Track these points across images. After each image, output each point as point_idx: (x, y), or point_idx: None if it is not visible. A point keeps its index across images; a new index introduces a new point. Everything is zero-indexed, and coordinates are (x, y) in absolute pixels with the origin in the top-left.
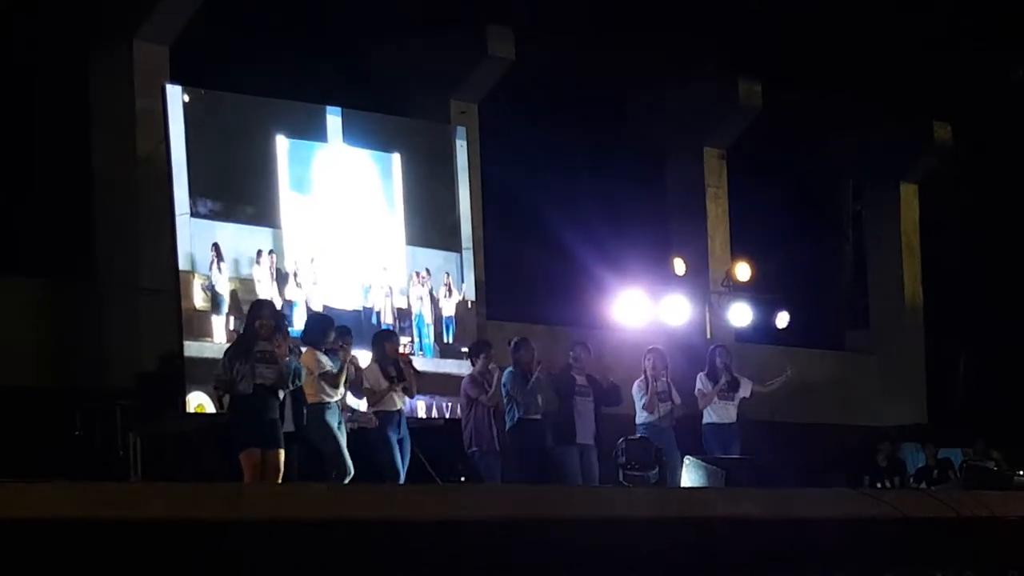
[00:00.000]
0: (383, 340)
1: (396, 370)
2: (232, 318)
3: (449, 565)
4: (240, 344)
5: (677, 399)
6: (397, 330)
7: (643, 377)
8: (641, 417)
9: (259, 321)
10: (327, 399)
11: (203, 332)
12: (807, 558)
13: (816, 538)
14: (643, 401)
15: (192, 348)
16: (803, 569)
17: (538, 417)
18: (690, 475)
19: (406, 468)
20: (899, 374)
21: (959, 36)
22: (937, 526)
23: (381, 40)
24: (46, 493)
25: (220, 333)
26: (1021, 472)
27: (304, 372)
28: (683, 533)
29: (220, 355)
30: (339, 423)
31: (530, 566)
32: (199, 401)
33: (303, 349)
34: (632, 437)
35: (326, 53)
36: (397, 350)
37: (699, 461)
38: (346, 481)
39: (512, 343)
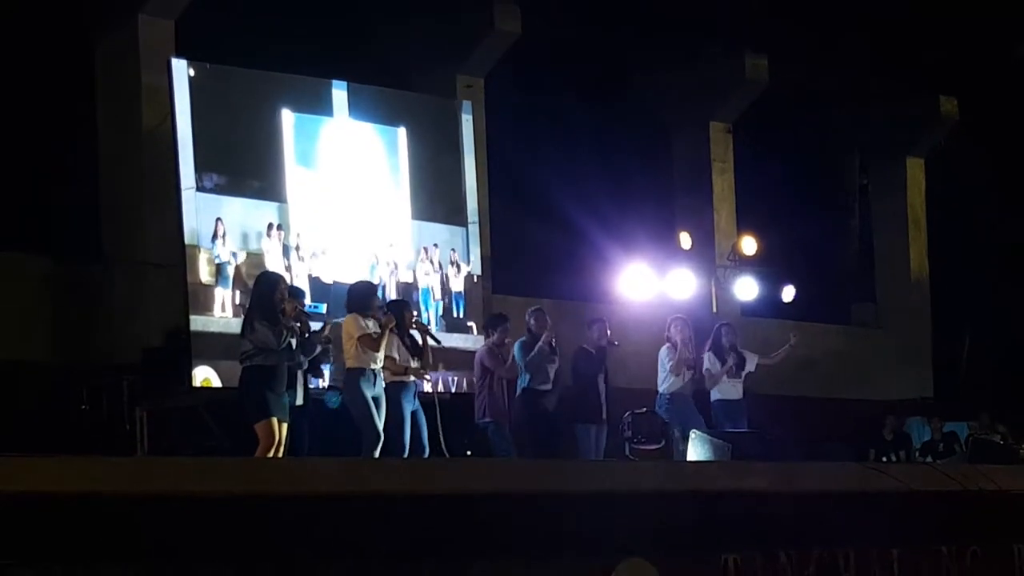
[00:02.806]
0: (402, 309)
1: (412, 343)
2: (238, 292)
3: (453, 538)
4: (266, 313)
5: (750, 367)
6: None
7: (669, 344)
8: (666, 384)
9: (278, 293)
10: (364, 365)
11: (209, 307)
12: (812, 532)
13: (821, 512)
14: (670, 365)
15: (198, 323)
16: (808, 543)
17: (546, 388)
18: (696, 449)
19: (426, 438)
20: (905, 348)
21: (966, 10)
22: (943, 500)
23: (387, 14)
24: (53, 467)
25: (226, 307)
26: None
27: (344, 337)
28: (689, 507)
29: (226, 329)
30: (375, 391)
31: (536, 539)
32: (205, 375)
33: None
34: (639, 411)
35: (332, 27)
36: (413, 320)
37: (705, 435)
38: (376, 451)
39: (529, 311)
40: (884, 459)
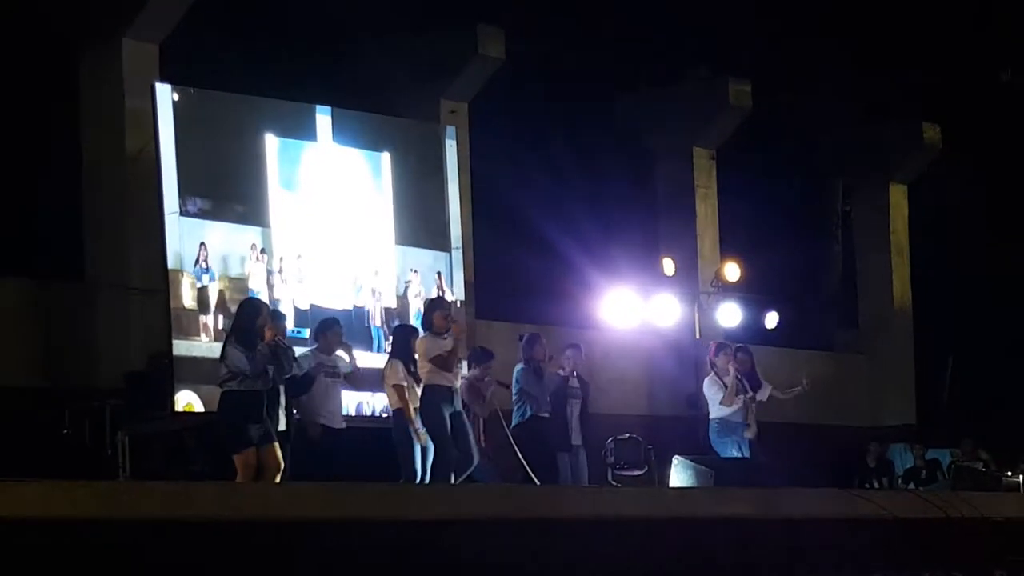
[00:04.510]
0: (408, 335)
1: (415, 366)
2: (221, 317)
3: (438, 565)
4: (241, 337)
5: (762, 396)
6: (386, 331)
7: (714, 374)
8: (716, 411)
9: (260, 319)
10: (438, 383)
11: (192, 331)
12: (796, 558)
13: (804, 538)
14: (720, 398)
15: (181, 347)
16: (791, 569)
17: (547, 415)
18: (679, 475)
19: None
20: (888, 375)
21: (948, 37)
22: (925, 527)
23: (371, 39)
24: (35, 492)
25: (209, 332)
26: (1009, 473)
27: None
28: (673, 533)
29: (209, 354)
30: (452, 408)
31: (520, 566)
32: (188, 400)
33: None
34: (621, 437)
35: (316, 52)
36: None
37: (688, 461)
38: (455, 470)
39: (523, 339)
40: (867, 486)
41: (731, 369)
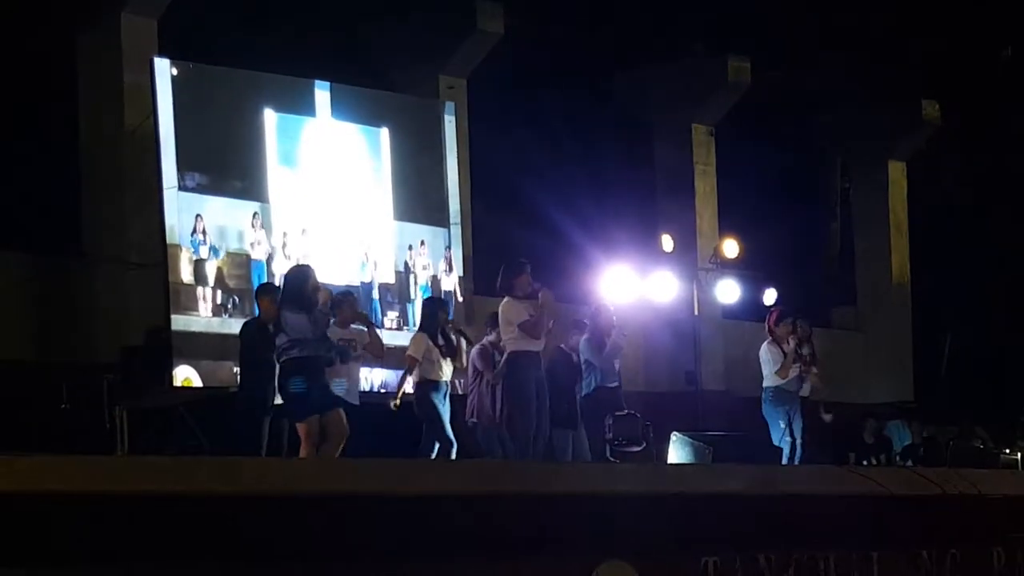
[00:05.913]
0: (437, 308)
1: (445, 339)
2: (219, 291)
3: (434, 539)
4: (298, 303)
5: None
6: (383, 304)
7: (772, 341)
8: (771, 379)
9: (310, 282)
10: (525, 348)
11: (190, 306)
12: (792, 535)
13: (801, 515)
14: (777, 368)
15: (179, 322)
16: (788, 546)
17: (615, 384)
18: (677, 451)
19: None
20: (886, 351)
21: (948, 14)
22: (923, 504)
23: (370, 14)
24: (32, 466)
25: (207, 307)
26: (1007, 450)
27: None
28: (670, 509)
29: (207, 329)
30: (539, 373)
31: (517, 539)
32: (186, 375)
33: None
34: (620, 413)
35: (315, 27)
36: (448, 320)
37: (686, 437)
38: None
39: (592, 308)
40: (864, 463)
41: (791, 340)
